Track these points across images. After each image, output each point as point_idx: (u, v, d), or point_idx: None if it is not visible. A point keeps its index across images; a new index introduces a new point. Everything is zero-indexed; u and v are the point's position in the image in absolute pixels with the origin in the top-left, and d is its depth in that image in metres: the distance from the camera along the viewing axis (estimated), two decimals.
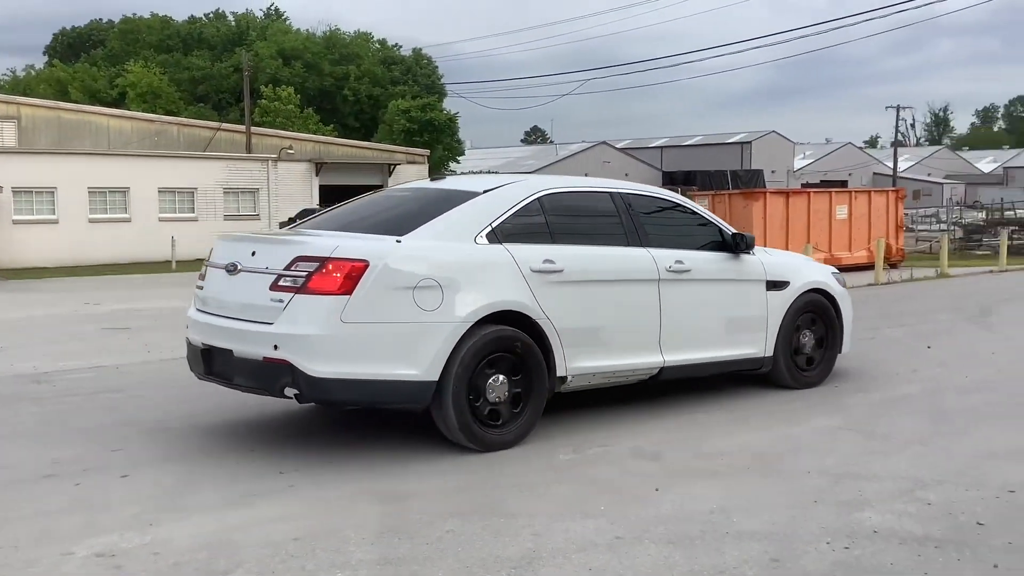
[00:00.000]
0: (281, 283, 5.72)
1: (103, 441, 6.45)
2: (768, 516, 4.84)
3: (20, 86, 67.57)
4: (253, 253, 6.03)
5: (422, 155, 47.43)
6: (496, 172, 64.10)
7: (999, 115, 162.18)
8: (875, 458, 5.92)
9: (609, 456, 6.00)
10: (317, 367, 5.56)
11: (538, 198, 6.65)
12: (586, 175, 66.04)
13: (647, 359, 6.97)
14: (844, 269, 26.24)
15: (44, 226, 32.07)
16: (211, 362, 6.22)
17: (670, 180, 65.26)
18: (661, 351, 7.02)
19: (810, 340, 8.10)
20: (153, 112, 48.98)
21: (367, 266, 5.65)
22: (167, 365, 9.72)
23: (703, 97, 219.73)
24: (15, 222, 32.39)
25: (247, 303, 5.94)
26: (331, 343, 5.59)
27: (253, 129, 41.87)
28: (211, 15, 74.23)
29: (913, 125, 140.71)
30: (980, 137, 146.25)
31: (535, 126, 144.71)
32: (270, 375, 5.71)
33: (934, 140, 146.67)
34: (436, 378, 5.79)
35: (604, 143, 76.66)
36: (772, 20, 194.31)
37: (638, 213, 7.17)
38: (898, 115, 73.29)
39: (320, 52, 63.40)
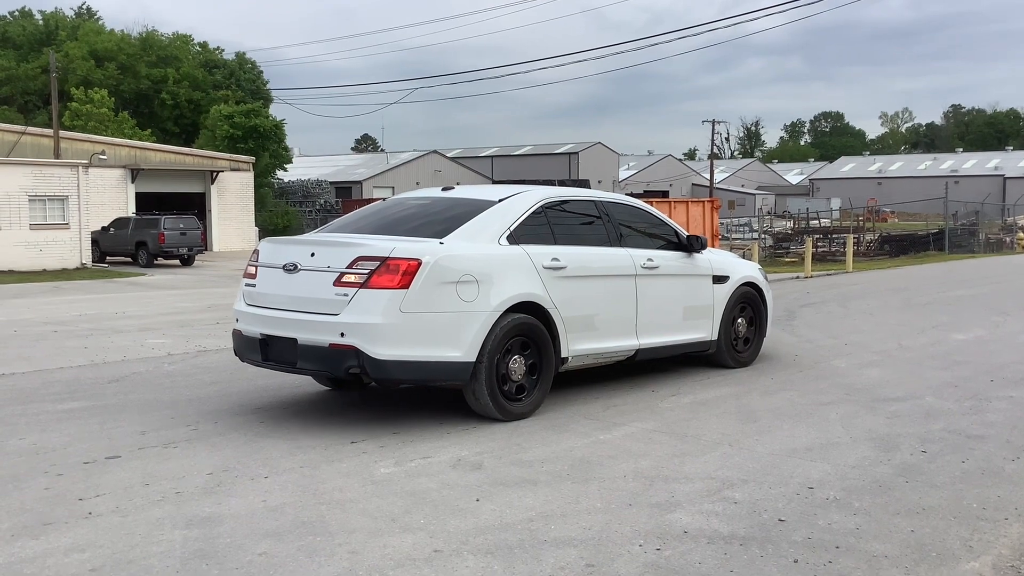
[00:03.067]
0: (345, 279, 6.65)
1: None
2: (584, 521, 4.91)
3: None
4: (312, 254, 6.93)
5: (247, 162, 46.12)
6: (325, 181, 63.13)
7: (805, 130, 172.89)
8: (686, 459, 6.13)
9: (430, 468, 5.95)
10: (380, 351, 6.51)
11: (542, 206, 7.80)
12: (417, 184, 66.18)
13: (627, 342, 8.16)
14: None
15: None
16: (268, 350, 7.07)
17: None
18: (637, 336, 8.23)
19: (744, 326, 9.60)
20: None
21: (420, 264, 6.63)
22: None
23: (531, 108, 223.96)
24: None
25: (310, 297, 6.82)
26: (392, 330, 6.54)
27: (63, 133, 39.49)
28: (16, 13, 69.78)
29: (727, 139, 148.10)
30: (788, 151, 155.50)
31: (366, 134, 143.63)
32: (337, 359, 6.62)
33: (747, 153, 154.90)
34: (474, 359, 6.81)
35: (435, 152, 76.87)
36: (595, 36, 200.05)
37: (615, 218, 8.44)
38: (713, 129, 76.83)
39: (136, 54, 60.61)
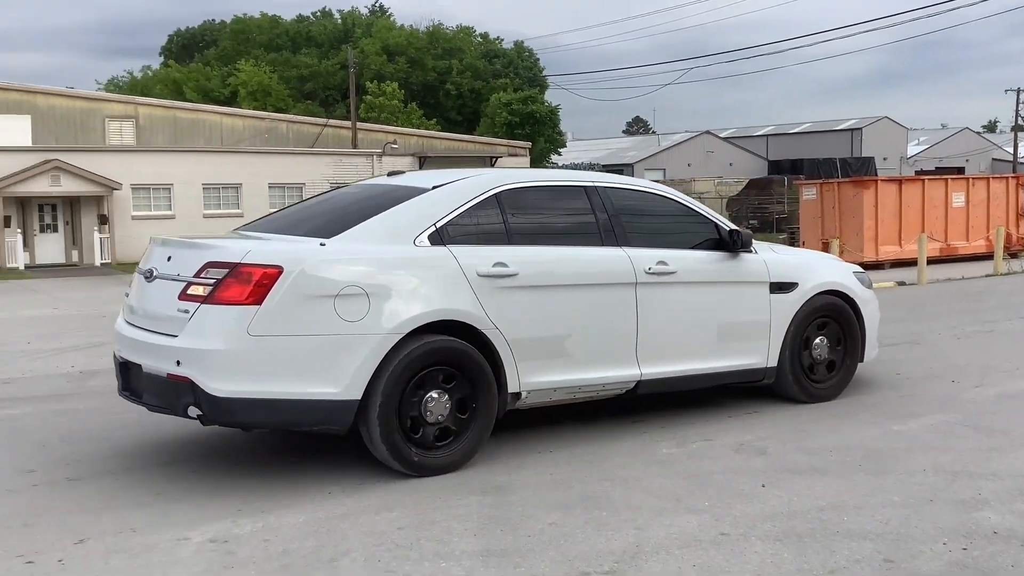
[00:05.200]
0: (190, 291, 5.26)
1: (213, 429, 6.62)
2: (881, 515, 4.69)
3: (138, 87, 70.32)
4: (169, 258, 5.58)
5: (524, 147, 47.56)
6: (597, 164, 63.93)
7: None
8: (994, 455, 5.69)
9: (712, 450, 5.91)
10: (220, 385, 5.06)
11: (496, 194, 6.04)
12: (689, 165, 65.31)
13: (620, 372, 6.27)
14: (961, 259, 25.05)
15: (161, 221, 33.38)
16: (127, 377, 5.73)
17: (776, 169, 63.95)
18: (638, 362, 6.32)
19: (824, 348, 7.25)
20: (264, 110, 50.42)
21: (280, 272, 5.15)
22: None
23: (810, 84, 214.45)
24: (134, 217, 33.80)
25: (158, 313, 5.50)
26: (235, 358, 5.09)
27: (359, 124, 42.68)
28: (318, 13, 75.92)
29: None
30: None
31: (637, 116, 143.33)
32: (173, 393, 5.24)
33: None
34: (359, 396, 5.24)
35: (708, 132, 75.58)
36: (884, 3, 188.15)
37: (618, 209, 6.48)
38: (1018, 98, 70.05)
39: (423, 47, 64.19)
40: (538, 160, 51.74)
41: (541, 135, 51.72)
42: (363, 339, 5.24)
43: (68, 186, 32.23)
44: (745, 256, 6.91)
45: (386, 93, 54.78)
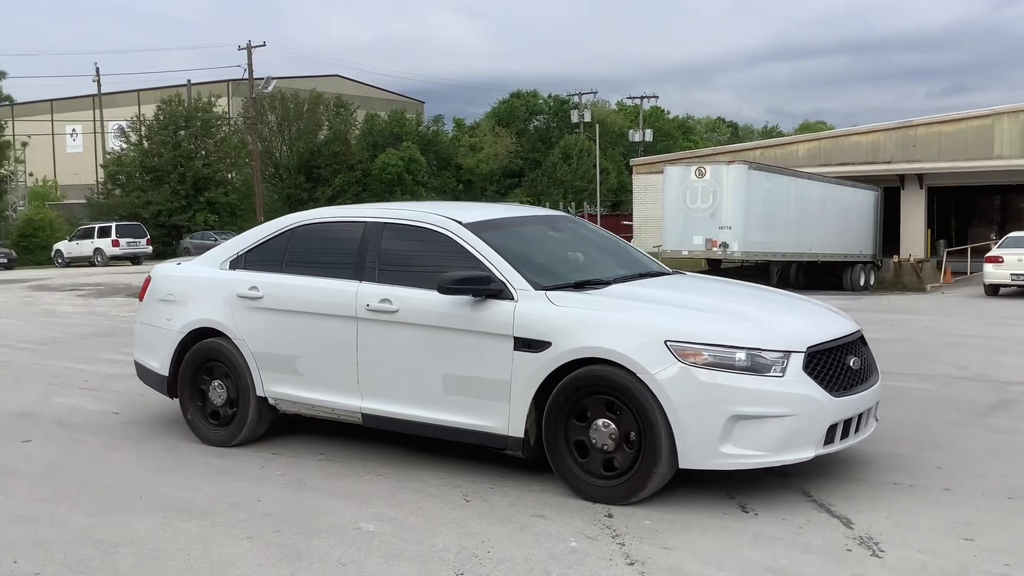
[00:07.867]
0: None
1: None
2: None
3: None
4: None
5: None
6: None
7: None
8: None
9: None
10: (135, 352, 7.84)
11: (292, 228, 7.12)
12: None
13: (344, 400, 6.58)
14: None
15: None
16: None
17: None
18: (361, 395, 6.50)
19: (604, 435, 5.59)
20: None
21: (149, 280, 7.70)
22: None
23: None
24: None
25: None
26: (136, 337, 7.82)
27: None
28: None
29: None
30: None
31: None
32: None
33: None
34: (167, 373, 7.31)
35: None
36: None
37: (382, 245, 6.56)
38: None
39: None
40: None
41: None
42: (168, 333, 7.36)
43: None
44: (491, 303, 5.97)
45: None
